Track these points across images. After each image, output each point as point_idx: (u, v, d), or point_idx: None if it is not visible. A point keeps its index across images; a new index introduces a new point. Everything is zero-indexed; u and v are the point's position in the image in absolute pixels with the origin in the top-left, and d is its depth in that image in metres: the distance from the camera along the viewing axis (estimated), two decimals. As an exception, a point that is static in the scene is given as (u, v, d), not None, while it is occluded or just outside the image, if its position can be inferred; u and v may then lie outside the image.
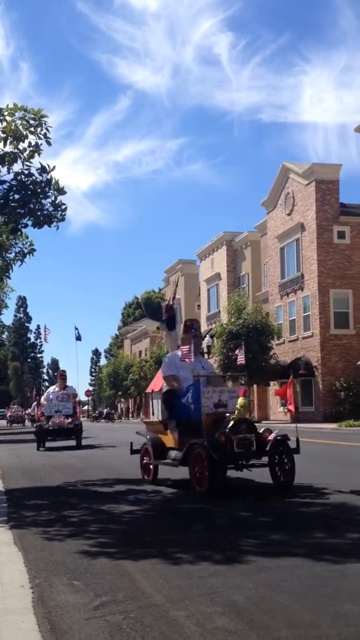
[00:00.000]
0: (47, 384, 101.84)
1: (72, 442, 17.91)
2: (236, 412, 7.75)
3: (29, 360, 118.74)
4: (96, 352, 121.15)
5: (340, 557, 4.42)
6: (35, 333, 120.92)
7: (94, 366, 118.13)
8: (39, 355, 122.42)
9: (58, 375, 19.58)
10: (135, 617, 3.35)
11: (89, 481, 9.56)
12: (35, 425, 20.02)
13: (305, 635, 3.02)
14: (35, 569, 4.40)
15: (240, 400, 7.88)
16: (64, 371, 19.46)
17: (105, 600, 3.66)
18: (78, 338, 27.31)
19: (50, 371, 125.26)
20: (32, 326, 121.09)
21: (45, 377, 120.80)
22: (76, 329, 27.29)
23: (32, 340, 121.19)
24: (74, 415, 18.15)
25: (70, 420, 17.63)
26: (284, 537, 5.20)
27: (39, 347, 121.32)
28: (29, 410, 50.55)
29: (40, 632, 3.17)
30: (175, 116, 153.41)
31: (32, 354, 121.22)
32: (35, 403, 41.29)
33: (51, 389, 19.43)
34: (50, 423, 17.42)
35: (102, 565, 4.43)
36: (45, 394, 19.50)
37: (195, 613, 3.38)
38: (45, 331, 34.31)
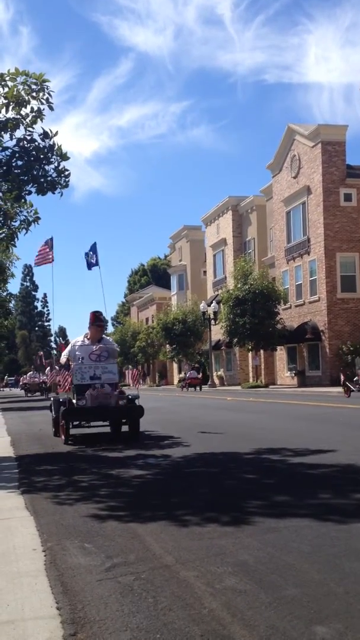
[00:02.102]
0: (55, 352, 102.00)
1: (123, 428, 11.11)
2: None
3: (36, 328, 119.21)
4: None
5: (347, 518, 4.47)
6: (42, 301, 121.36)
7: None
8: (46, 324, 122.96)
9: (91, 319, 11.45)
10: (146, 578, 3.40)
11: (99, 447, 9.66)
12: (51, 398, 12.60)
13: (313, 594, 3.06)
14: (47, 532, 4.46)
15: None
16: (101, 314, 11.63)
17: (116, 562, 3.71)
18: (91, 264, 17.20)
19: (58, 339, 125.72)
20: (39, 294, 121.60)
21: (53, 345, 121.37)
22: (93, 251, 17.26)
23: (39, 308, 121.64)
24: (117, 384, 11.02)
25: (118, 391, 10.78)
26: (291, 498, 5.25)
27: (46, 315, 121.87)
28: (44, 378, 39.99)
29: (53, 594, 3.23)
30: (178, 79, 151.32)
31: (40, 323, 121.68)
32: (48, 369, 37.88)
33: (77, 341, 11.59)
34: (87, 397, 10.32)
35: (112, 528, 4.50)
36: (68, 349, 11.69)
37: (205, 573, 3.43)
38: (48, 249, 20.67)
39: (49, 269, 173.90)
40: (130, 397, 10.78)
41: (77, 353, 11.11)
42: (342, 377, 26.16)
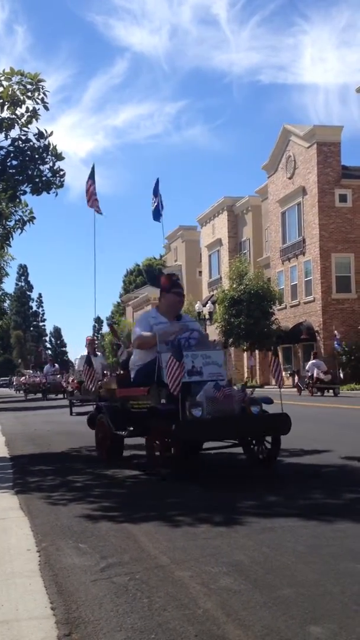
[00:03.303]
0: (50, 352, 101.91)
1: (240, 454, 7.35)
2: None
3: (31, 328, 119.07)
4: (98, 320, 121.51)
5: (342, 518, 4.46)
6: (36, 302, 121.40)
7: (96, 334, 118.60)
8: (41, 324, 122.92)
9: (165, 285, 7.48)
10: (140, 578, 3.39)
11: (93, 447, 9.62)
12: (99, 403, 8.61)
13: (309, 594, 3.06)
14: (41, 532, 4.45)
15: None
16: (178, 278, 8.64)
17: (111, 562, 3.70)
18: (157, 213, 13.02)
19: (53, 339, 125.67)
20: (34, 294, 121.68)
21: (48, 345, 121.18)
22: (155, 194, 13.36)
23: (34, 308, 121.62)
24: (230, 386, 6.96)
25: (245, 393, 6.70)
26: (286, 498, 5.25)
27: (41, 315, 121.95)
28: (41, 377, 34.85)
29: (47, 594, 3.21)
30: (174, 79, 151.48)
31: (35, 323, 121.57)
32: (48, 366, 36.42)
33: (149, 315, 7.61)
34: (202, 402, 6.18)
35: (107, 529, 4.48)
36: (140, 323, 7.42)
37: (200, 573, 3.42)
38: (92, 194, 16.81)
39: (45, 268, 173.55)
40: (258, 401, 6.69)
41: (153, 329, 7.00)
42: (296, 378, 29.81)
